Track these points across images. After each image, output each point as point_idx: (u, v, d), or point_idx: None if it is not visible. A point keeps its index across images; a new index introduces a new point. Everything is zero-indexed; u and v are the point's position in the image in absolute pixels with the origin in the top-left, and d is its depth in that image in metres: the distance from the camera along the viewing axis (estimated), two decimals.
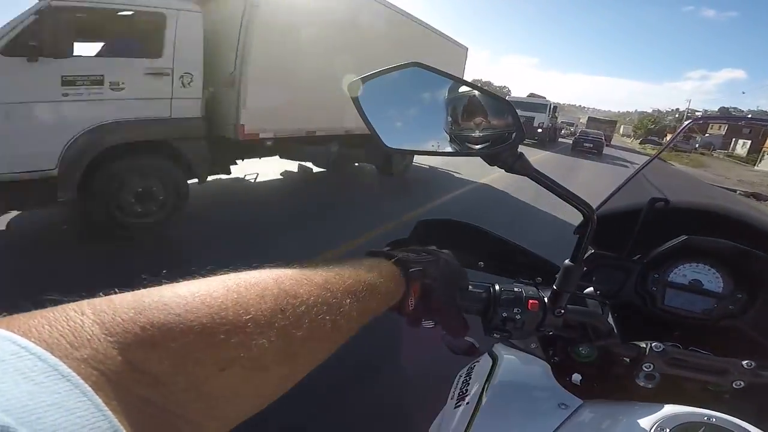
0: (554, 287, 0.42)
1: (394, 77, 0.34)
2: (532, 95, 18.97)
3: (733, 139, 36.91)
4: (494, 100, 0.35)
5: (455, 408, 0.53)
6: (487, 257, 0.55)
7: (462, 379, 0.60)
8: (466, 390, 0.56)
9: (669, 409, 0.40)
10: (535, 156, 9.47)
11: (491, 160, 0.36)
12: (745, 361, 0.46)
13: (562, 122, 23.56)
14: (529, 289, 0.43)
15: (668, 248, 0.59)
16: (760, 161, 23.92)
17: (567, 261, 0.41)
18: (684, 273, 0.60)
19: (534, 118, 14.46)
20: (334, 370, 1.16)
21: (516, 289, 0.43)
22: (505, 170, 0.36)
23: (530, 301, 0.41)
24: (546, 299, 0.42)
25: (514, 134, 0.34)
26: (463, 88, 0.35)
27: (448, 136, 0.36)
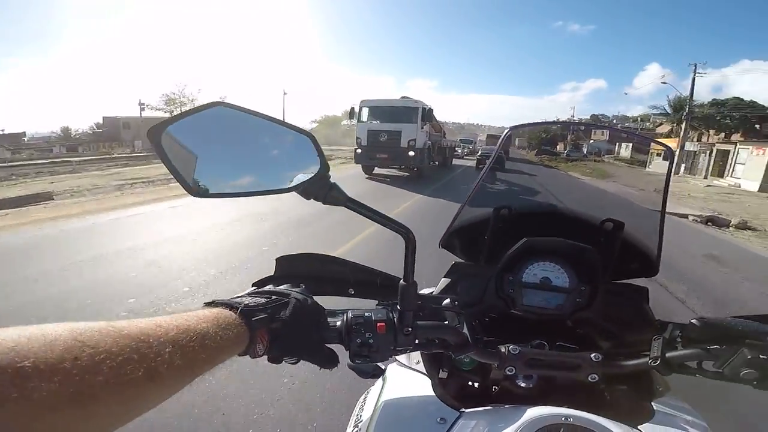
0: (398, 308, 0.46)
1: (200, 119, 0.34)
2: (404, 98, 11.51)
3: (617, 144, 39.27)
4: (297, 132, 0.38)
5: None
6: (355, 284, 0.59)
7: (359, 405, 0.63)
8: (361, 416, 0.58)
9: (532, 412, 0.45)
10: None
11: (304, 194, 0.39)
12: (593, 354, 0.52)
13: (459, 140, 23.48)
14: (379, 311, 0.46)
15: (514, 251, 0.67)
16: (650, 164, 25.30)
17: (401, 281, 0.45)
18: (534, 272, 0.69)
19: (400, 133, 9.93)
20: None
21: (366, 314, 0.45)
22: (322, 203, 0.39)
23: (378, 324, 0.44)
24: (395, 320, 0.45)
25: (318, 166, 0.37)
26: (269, 123, 0.37)
27: (261, 173, 0.38)
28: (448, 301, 0.59)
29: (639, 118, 42.42)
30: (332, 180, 0.40)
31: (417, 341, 0.48)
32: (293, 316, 0.41)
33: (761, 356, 0.44)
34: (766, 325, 0.48)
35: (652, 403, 0.55)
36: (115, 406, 0.26)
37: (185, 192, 0.35)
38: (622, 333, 0.65)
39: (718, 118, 24.62)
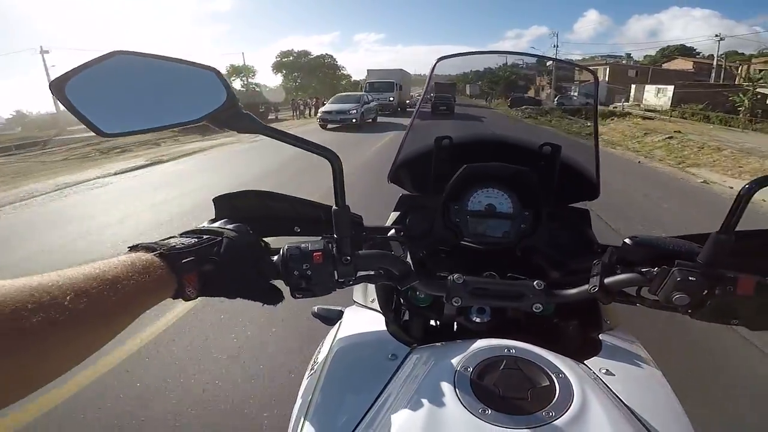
0: (333, 235, 0.53)
1: (102, 68, 0.43)
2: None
3: (633, 86, 33.71)
4: (200, 68, 0.47)
5: (307, 379, 0.63)
6: (301, 221, 0.66)
7: (318, 349, 0.71)
8: (318, 359, 0.66)
9: (477, 344, 0.52)
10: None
11: (215, 123, 0.47)
12: (536, 282, 0.58)
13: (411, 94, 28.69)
14: (317, 242, 0.53)
15: (455, 179, 0.76)
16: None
17: (333, 207, 0.52)
18: (479, 200, 0.78)
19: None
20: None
21: (303, 246, 0.52)
22: (237, 131, 0.48)
23: (315, 254, 0.51)
24: (333, 249, 0.53)
25: (225, 96, 0.46)
26: (170, 63, 0.46)
27: (169, 109, 0.47)
28: (393, 231, 0.67)
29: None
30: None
31: (358, 272, 0.55)
32: (226, 254, 0.48)
33: (690, 278, 0.49)
34: (696, 245, 0.54)
35: (600, 337, 0.62)
36: (21, 358, 0.29)
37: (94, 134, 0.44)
38: (567, 260, 0.73)
39: None
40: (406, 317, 0.76)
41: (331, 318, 0.83)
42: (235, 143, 12.05)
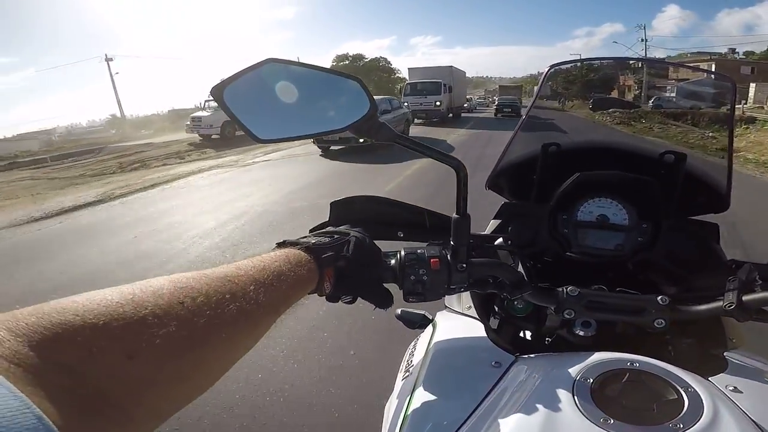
0: (450, 242, 0.57)
1: (256, 75, 0.50)
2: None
3: (753, 85, 30.29)
4: (345, 78, 0.53)
5: (402, 381, 0.67)
6: (404, 226, 0.71)
7: (409, 351, 0.75)
8: (411, 362, 0.70)
9: (596, 356, 0.52)
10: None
11: (357, 132, 0.53)
12: (660, 297, 0.59)
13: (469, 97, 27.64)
14: (432, 249, 0.58)
15: (566, 187, 0.77)
16: None
17: (453, 215, 0.57)
18: (590, 210, 0.78)
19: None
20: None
21: (419, 251, 0.57)
22: (374, 140, 0.54)
23: (432, 260, 0.56)
24: (448, 256, 0.57)
25: (368, 106, 0.52)
26: (318, 72, 0.53)
27: (315, 117, 0.54)
28: (500, 240, 0.70)
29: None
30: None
31: (471, 280, 0.58)
32: (355, 253, 0.53)
33: None
34: None
35: (725, 354, 0.62)
36: (219, 348, 0.34)
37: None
38: (690, 275, 0.72)
39: None
40: (496, 321, 0.79)
41: (414, 321, 0.88)
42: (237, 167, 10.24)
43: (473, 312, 0.75)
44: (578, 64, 1.02)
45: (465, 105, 26.41)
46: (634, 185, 0.77)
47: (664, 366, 0.52)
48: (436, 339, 0.71)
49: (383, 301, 0.58)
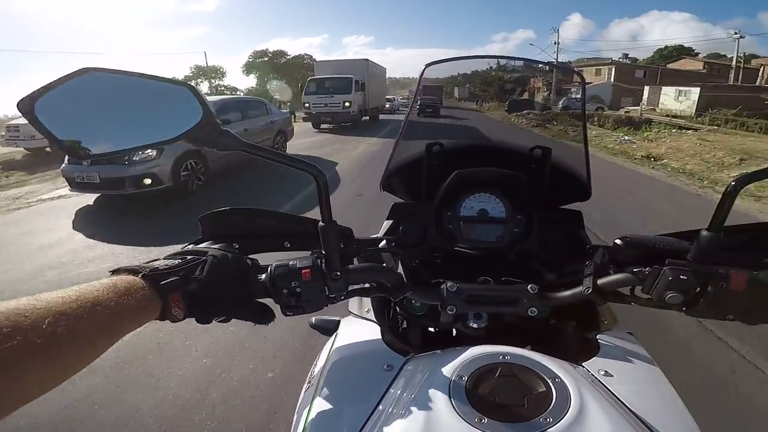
0: (322, 252, 0.59)
1: (73, 86, 0.48)
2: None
3: (646, 88, 33.80)
4: (174, 85, 0.52)
5: (304, 392, 0.69)
6: (292, 236, 0.72)
7: (315, 361, 0.78)
8: (314, 371, 0.73)
9: (471, 352, 0.57)
10: None
11: (192, 141, 0.52)
12: (530, 286, 0.66)
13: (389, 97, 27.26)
14: (305, 259, 0.59)
15: (447, 184, 0.85)
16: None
17: (320, 223, 0.58)
18: (472, 205, 0.86)
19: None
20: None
21: (291, 263, 0.58)
22: (216, 149, 0.53)
23: (303, 271, 0.57)
24: (323, 265, 0.58)
25: (201, 114, 0.51)
26: (144, 80, 0.51)
27: (143, 128, 0.52)
28: (384, 243, 0.74)
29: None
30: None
31: (349, 286, 0.61)
32: (211, 274, 0.53)
33: (682, 276, 0.56)
34: (686, 242, 0.61)
35: (598, 337, 0.70)
36: (4, 382, 0.33)
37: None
38: (562, 262, 0.82)
39: None
40: (405, 325, 0.84)
41: (330, 329, 0.92)
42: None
43: (372, 315, 0.78)
44: (499, 65, 1.19)
45: (386, 106, 25.76)
46: (506, 180, 0.85)
47: (534, 357, 0.56)
48: (336, 346, 0.74)
49: (261, 317, 0.59)
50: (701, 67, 40.80)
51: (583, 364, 0.63)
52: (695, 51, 50.99)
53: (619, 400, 0.55)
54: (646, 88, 34.39)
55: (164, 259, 0.54)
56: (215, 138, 0.52)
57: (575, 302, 0.68)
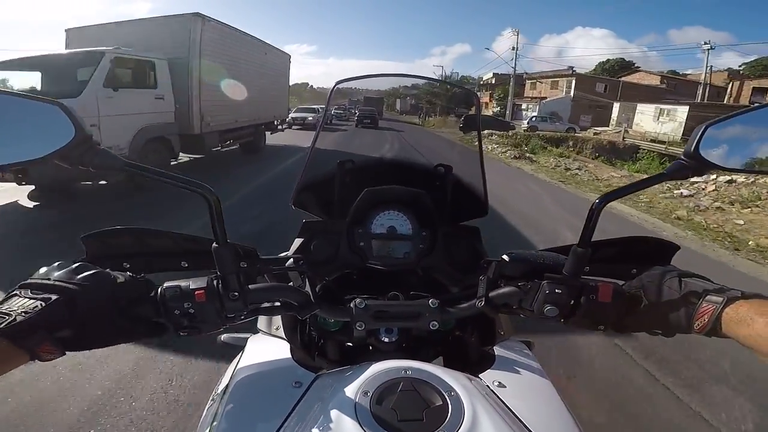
0: (217, 273, 0.66)
1: None
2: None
3: (616, 105, 33.69)
4: (42, 103, 0.56)
5: (206, 410, 0.76)
6: (188, 254, 0.80)
7: (220, 378, 0.85)
8: (218, 389, 0.80)
9: (377, 367, 0.67)
10: None
11: (65, 160, 0.56)
12: (431, 300, 0.78)
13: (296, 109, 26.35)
14: (200, 279, 0.65)
15: (357, 202, 0.99)
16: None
17: (214, 244, 0.65)
18: (381, 222, 1.02)
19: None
20: None
21: (183, 284, 0.64)
22: (93, 169, 0.58)
23: (196, 292, 0.63)
24: (219, 286, 0.65)
25: (73, 132, 0.55)
26: (10, 97, 0.56)
27: (8, 147, 0.56)
28: (291, 261, 0.83)
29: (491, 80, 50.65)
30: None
31: (250, 306, 0.68)
32: (83, 311, 0.56)
33: (557, 290, 0.69)
34: (564, 257, 0.73)
35: (495, 348, 0.84)
36: None
37: None
38: (462, 276, 0.97)
39: None
40: (319, 341, 0.96)
41: (240, 346, 0.97)
42: None
43: (281, 332, 0.88)
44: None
45: (307, 119, 25.27)
46: (412, 197, 1.01)
47: (433, 370, 0.66)
48: (242, 363, 0.81)
49: (156, 332, 0.65)
50: (659, 82, 42.43)
51: (480, 375, 0.75)
52: (636, 65, 53.78)
53: (511, 411, 0.66)
54: (616, 105, 34.31)
55: (22, 295, 0.55)
56: (90, 157, 0.56)
57: (473, 315, 0.81)
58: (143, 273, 0.70)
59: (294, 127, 22.96)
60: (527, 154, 16.43)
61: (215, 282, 0.65)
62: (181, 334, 0.66)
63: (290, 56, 15.99)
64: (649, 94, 35.97)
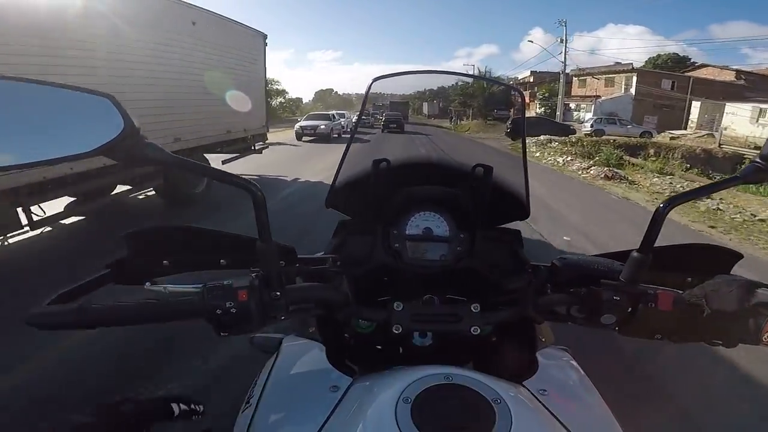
0: (258, 271, 0.69)
1: None
2: None
3: (697, 104, 31.34)
4: (93, 95, 0.59)
5: (242, 413, 0.79)
6: (228, 253, 0.84)
7: (254, 381, 0.89)
8: (253, 392, 0.84)
9: (416, 373, 0.69)
10: None
11: (112, 155, 0.60)
12: (473, 305, 0.82)
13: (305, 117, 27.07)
14: (243, 278, 0.69)
15: (393, 203, 1.03)
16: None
17: (258, 241, 0.68)
18: (417, 224, 1.06)
19: None
20: None
21: (226, 282, 0.68)
22: (139, 164, 0.63)
23: (239, 291, 0.67)
24: (262, 285, 0.69)
25: (122, 125, 0.58)
26: (59, 90, 0.59)
27: (57, 140, 0.60)
28: (330, 261, 0.87)
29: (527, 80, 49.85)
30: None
31: (291, 306, 0.72)
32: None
33: (615, 297, 0.71)
34: (619, 263, 0.75)
35: (537, 355, 0.86)
36: None
37: None
38: (503, 281, 0.99)
39: None
40: (351, 344, 0.99)
41: (271, 347, 1.02)
42: None
43: (316, 334, 0.92)
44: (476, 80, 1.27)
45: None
46: (449, 198, 1.05)
47: (477, 377, 0.69)
48: (276, 367, 0.85)
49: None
50: (734, 77, 39.01)
51: (523, 382, 0.78)
52: (691, 60, 50.82)
53: (557, 419, 0.68)
54: (696, 104, 31.49)
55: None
56: (139, 151, 0.60)
57: (515, 320, 0.85)
58: (182, 270, 0.76)
59: (304, 138, 22.80)
60: (614, 170, 12.80)
61: (257, 281, 0.69)
62: (222, 334, 0.69)
63: (266, 35, 10.58)
64: (727, 91, 33.59)
